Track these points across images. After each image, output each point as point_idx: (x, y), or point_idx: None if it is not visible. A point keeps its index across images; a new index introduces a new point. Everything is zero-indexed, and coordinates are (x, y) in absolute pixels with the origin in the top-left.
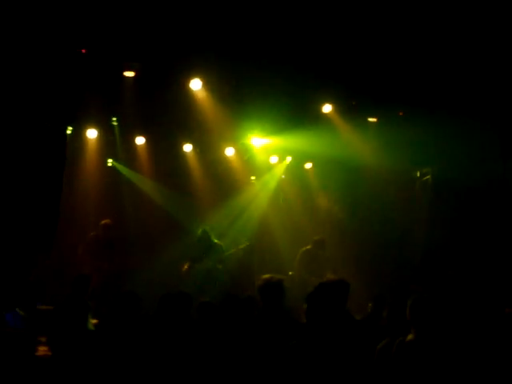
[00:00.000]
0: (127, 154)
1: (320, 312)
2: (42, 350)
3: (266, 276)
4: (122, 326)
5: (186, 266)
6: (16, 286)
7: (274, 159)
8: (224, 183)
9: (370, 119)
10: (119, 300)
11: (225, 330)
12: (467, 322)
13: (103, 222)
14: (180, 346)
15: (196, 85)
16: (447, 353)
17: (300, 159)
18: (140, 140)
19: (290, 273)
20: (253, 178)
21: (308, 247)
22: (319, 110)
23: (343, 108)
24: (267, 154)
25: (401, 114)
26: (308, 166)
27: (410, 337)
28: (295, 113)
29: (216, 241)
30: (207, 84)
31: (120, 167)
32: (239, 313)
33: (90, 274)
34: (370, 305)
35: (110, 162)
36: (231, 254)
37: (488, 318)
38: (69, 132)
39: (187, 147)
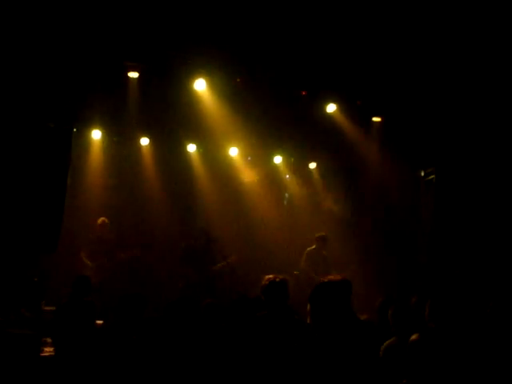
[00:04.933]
0: (131, 154)
1: (324, 312)
2: (48, 350)
3: (270, 276)
4: (127, 327)
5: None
6: (21, 287)
7: (277, 159)
8: (228, 183)
9: (375, 119)
10: (125, 301)
11: (231, 331)
12: (474, 321)
13: (100, 220)
14: (185, 347)
15: (200, 85)
16: (453, 351)
17: (304, 159)
18: (144, 141)
19: (296, 272)
20: (257, 177)
21: (313, 247)
22: (323, 109)
23: (347, 107)
24: (271, 154)
25: (404, 113)
26: (312, 165)
27: (414, 336)
28: (298, 112)
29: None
30: (211, 84)
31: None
32: (248, 313)
33: (91, 274)
34: (377, 304)
35: (114, 162)
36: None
37: (494, 316)
38: (73, 133)
39: (191, 147)
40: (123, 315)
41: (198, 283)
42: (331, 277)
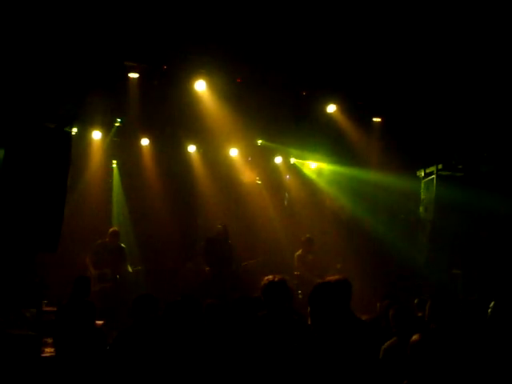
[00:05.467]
0: (131, 155)
1: (322, 313)
2: (48, 351)
3: (269, 276)
4: (138, 328)
5: (207, 268)
6: (21, 288)
7: (278, 159)
8: (228, 183)
9: (375, 119)
10: (137, 302)
11: (232, 331)
12: (475, 321)
13: (111, 229)
14: (186, 348)
15: (200, 86)
16: (455, 352)
17: (304, 159)
18: (144, 141)
19: (297, 272)
20: (257, 178)
21: (299, 252)
22: (324, 109)
23: (348, 108)
24: (272, 154)
25: (405, 113)
26: (313, 166)
27: (414, 337)
28: (299, 112)
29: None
30: (211, 85)
31: (116, 174)
32: (249, 313)
33: (96, 278)
34: (378, 305)
35: (114, 163)
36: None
37: (496, 317)
38: (73, 133)
39: (191, 148)
40: (137, 316)
41: (212, 281)
42: (330, 277)
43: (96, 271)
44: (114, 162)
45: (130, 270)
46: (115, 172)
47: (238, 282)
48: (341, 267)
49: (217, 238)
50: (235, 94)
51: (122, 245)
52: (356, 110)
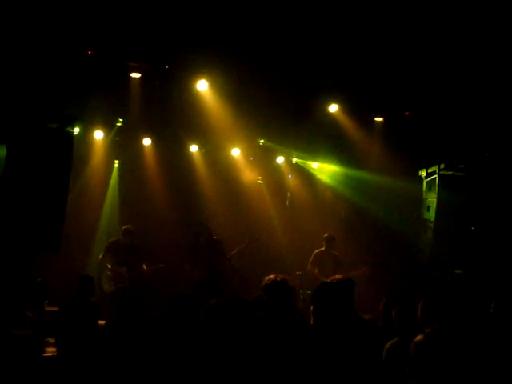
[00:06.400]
0: (133, 155)
1: (326, 312)
2: (50, 351)
3: (271, 276)
4: (127, 328)
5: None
6: (23, 288)
7: (280, 159)
8: (230, 183)
9: (377, 119)
10: (125, 302)
11: (232, 332)
12: (475, 321)
13: (124, 226)
14: (186, 348)
15: (202, 86)
16: (456, 351)
17: (306, 159)
18: (146, 141)
19: (298, 272)
20: (259, 178)
21: (322, 248)
22: (325, 109)
23: (349, 107)
24: (273, 154)
25: (407, 113)
26: (315, 165)
27: (418, 337)
28: (301, 112)
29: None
30: (213, 85)
31: (114, 174)
32: (246, 314)
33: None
34: (380, 304)
35: (116, 162)
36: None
37: (497, 316)
38: (75, 133)
39: (193, 148)
40: (123, 315)
41: (202, 283)
42: (333, 277)
43: (112, 271)
44: (116, 161)
45: (144, 267)
46: (114, 172)
47: (234, 280)
48: (364, 269)
49: (197, 240)
50: (237, 93)
51: (136, 242)
52: (358, 109)
